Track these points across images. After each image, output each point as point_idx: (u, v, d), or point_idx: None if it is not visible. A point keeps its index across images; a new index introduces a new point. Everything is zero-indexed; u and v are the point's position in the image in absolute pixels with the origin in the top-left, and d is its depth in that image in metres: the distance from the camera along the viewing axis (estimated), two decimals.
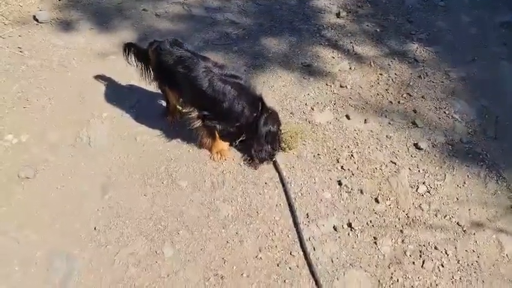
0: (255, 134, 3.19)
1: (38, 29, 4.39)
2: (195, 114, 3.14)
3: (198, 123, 3.16)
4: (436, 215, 3.03)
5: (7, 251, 2.77)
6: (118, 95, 3.79)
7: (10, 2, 4.59)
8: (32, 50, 4.15)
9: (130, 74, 3.82)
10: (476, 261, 2.79)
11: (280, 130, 3.31)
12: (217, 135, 3.25)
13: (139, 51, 3.39)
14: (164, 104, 3.60)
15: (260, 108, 3.17)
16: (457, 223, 2.99)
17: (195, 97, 3.16)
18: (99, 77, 3.93)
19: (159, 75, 3.31)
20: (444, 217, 3.02)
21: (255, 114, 3.15)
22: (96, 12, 4.65)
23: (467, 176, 3.27)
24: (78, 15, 4.60)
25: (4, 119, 3.52)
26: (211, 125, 3.14)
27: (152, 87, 3.52)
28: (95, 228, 2.90)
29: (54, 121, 3.55)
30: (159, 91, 3.50)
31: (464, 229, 2.95)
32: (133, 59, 3.43)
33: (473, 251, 2.84)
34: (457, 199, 3.13)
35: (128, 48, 3.43)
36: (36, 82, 3.85)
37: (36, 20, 4.44)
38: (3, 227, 2.89)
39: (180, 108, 3.45)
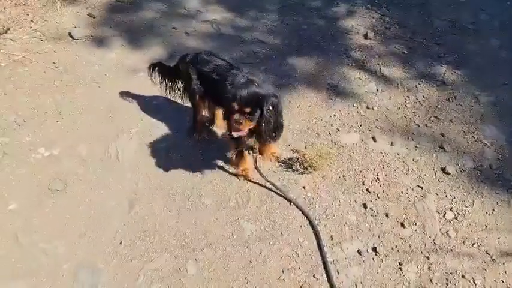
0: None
1: (73, 45, 4.56)
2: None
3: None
4: (463, 243, 2.96)
5: (36, 262, 2.84)
6: (146, 111, 3.87)
7: (48, 19, 4.80)
8: (66, 66, 4.31)
9: (159, 90, 3.90)
10: None
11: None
12: (245, 152, 3.27)
13: (165, 69, 3.54)
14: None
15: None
16: (486, 251, 2.91)
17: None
18: (128, 93, 4.04)
19: (193, 87, 3.32)
20: (472, 245, 2.95)
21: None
22: (128, 30, 4.80)
23: (497, 203, 3.19)
24: (111, 32, 4.75)
25: (37, 132, 3.64)
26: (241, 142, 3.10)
27: (180, 104, 3.60)
28: (120, 243, 2.95)
29: (84, 135, 3.65)
30: (187, 106, 3.56)
31: (493, 258, 2.87)
32: (159, 77, 3.60)
33: (503, 282, 2.75)
34: (486, 227, 3.05)
35: (153, 67, 3.60)
36: (69, 97, 3.99)
37: (71, 37, 4.61)
38: (33, 238, 2.97)
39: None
